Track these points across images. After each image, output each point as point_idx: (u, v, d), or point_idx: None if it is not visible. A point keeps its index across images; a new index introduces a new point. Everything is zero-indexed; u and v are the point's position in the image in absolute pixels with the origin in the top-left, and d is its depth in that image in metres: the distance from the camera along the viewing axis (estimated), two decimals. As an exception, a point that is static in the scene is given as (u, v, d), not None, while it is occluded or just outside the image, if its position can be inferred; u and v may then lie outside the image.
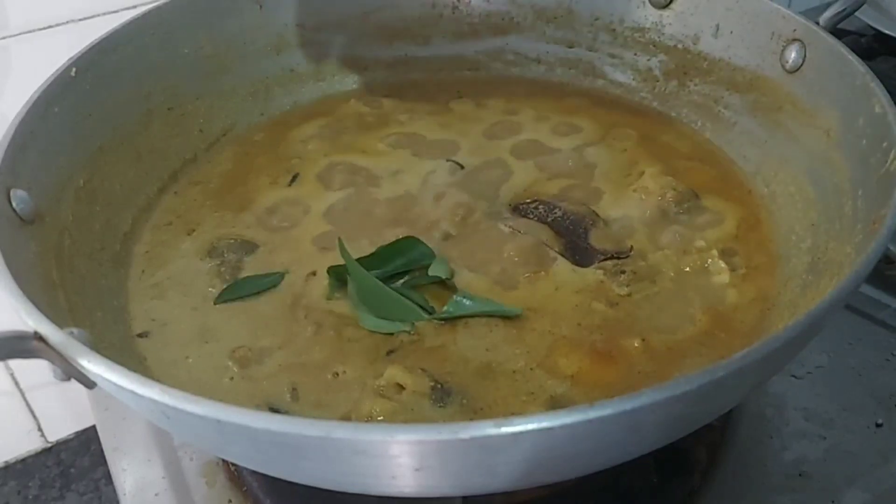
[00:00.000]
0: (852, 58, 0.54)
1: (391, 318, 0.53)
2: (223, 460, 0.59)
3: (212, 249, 0.60)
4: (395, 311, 0.53)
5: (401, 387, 0.48)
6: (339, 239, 0.55)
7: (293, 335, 0.53)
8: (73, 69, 0.57)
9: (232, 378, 0.50)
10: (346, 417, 0.47)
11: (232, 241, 0.61)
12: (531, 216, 0.61)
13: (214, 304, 0.56)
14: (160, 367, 0.51)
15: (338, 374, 0.50)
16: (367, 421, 0.46)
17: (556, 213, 0.61)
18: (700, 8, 0.68)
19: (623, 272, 0.56)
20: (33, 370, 0.74)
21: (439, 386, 0.48)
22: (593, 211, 0.61)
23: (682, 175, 0.64)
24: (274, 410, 0.48)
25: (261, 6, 0.71)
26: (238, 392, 0.50)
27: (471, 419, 0.47)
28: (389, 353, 0.51)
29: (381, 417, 0.47)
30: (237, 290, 0.56)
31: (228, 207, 0.64)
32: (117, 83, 0.61)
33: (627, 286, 0.55)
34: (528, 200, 0.63)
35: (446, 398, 0.48)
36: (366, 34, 0.77)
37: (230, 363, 0.51)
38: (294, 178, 0.67)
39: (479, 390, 0.49)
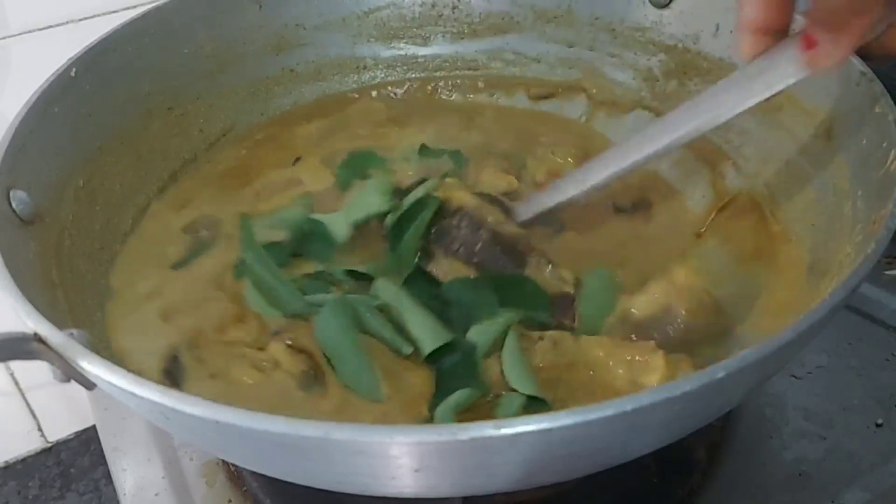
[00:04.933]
0: (852, 58, 0.54)
1: (278, 306, 0.53)
2: (223, 460, 0.59)
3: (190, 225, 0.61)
4: (283, 301, 0.53)
5: (277, 364, 0.49)
6: (242, 216, 0.56)
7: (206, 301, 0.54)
8: (73, 69, 0.56)
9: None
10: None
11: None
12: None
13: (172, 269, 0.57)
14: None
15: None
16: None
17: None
18: (700, 8, 0.67)
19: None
20: (33, 370, 0.73)
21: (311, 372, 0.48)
22: None
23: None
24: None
25: (261, 6, 0.71)
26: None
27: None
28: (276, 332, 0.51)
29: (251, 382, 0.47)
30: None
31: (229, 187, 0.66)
32: (117, 83, 0.61)
33: None
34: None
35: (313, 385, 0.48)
36: (365, 34, 0.77)
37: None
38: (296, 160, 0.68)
39: None
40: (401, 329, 0.50)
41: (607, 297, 0.53)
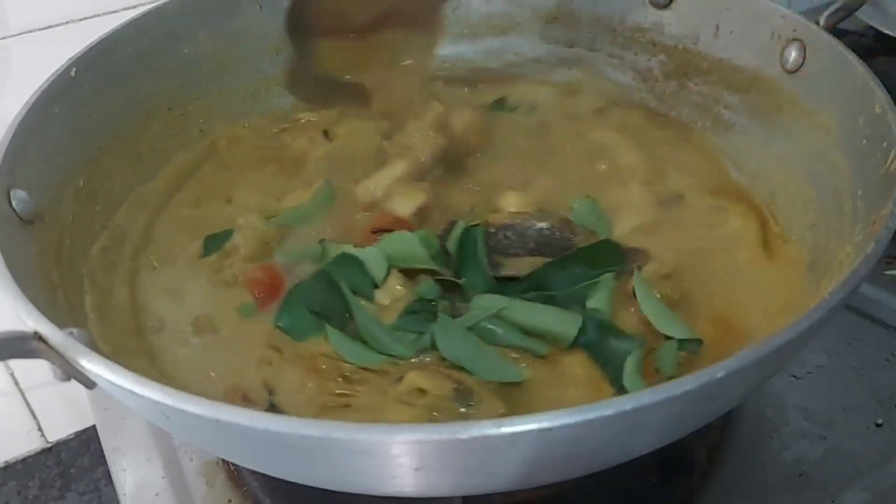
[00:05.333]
0: (852, 58, 0.54)
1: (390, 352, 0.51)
2: (223, 460, 0.59)
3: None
4: (394, 347, 0.51)
5: (422, 392, 0.47)
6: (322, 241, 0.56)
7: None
8: (73, 69, 0.56)
9: None
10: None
11: None
12: None
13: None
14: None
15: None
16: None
17: None
18: (700, 8, 0.67)
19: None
20: (33, 370, 0.74)
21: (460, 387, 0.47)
22: None
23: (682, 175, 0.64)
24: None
25: (261, 6, 0.71)
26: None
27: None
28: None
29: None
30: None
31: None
32: (117, 83, 0.61)
33: None
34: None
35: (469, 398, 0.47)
36: (366, 34, 0.77)
37: None
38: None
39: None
40: (527, 331, 0.50)
41: (600, 217, 0.60)
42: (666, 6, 0.69)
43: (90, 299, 0.52)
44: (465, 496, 0.47)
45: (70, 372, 0.38)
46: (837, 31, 0.57)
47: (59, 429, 0.88)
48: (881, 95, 0.50)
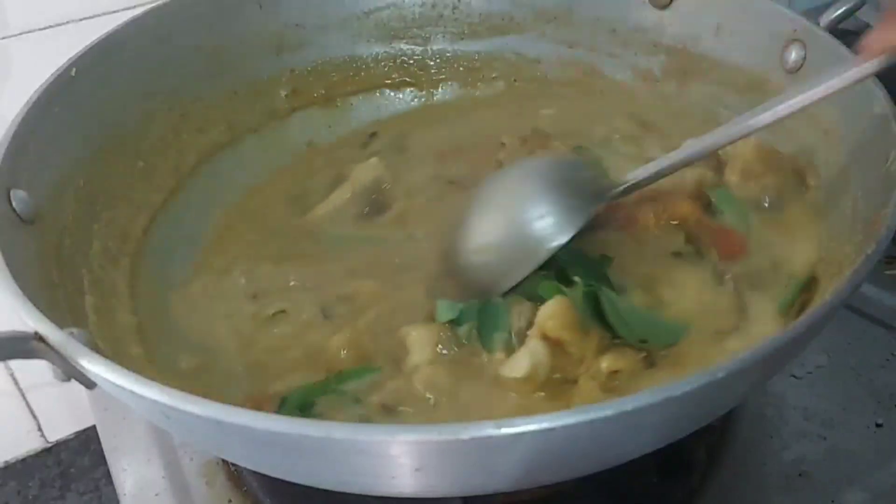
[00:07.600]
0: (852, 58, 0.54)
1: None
2: (223, 460, 0.59)
3: None
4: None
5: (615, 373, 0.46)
6: None
7: None
8: (73, 69, 0.56)
9: None
10: None
11: None
12: None
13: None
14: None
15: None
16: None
17: None
18: (701, 8, 0.67)
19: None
20: (33, 370, 0.73)
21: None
22: None
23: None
24: None
25: (261, 6, 0.71)
26: None
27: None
28: None
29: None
30: None
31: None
32: (117, 83, 0.61)
33: None
34: None
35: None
36: (365, 34, 0.77)
37: None
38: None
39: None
40: None
41: None
42: (666, 6, 0.69)
43: (90, 299, 0.52)
44: (465, 496, 0.47)
45: (70, 372, 0.38)
46: (837, 31, 0.57)
47: (59, 429, 0.88)
48: (881, 95, 0.50)
